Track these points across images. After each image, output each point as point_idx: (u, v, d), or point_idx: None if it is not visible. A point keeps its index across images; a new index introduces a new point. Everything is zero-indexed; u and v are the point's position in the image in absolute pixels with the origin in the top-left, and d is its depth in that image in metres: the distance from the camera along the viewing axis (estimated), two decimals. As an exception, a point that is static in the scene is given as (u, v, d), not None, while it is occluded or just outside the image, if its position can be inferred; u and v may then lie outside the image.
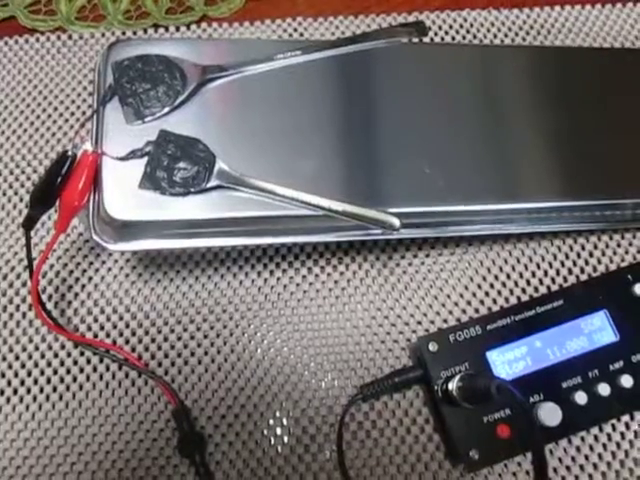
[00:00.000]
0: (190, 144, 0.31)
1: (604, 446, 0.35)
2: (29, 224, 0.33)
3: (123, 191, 0.31)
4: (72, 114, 0.42)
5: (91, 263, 0.38)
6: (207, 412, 0.35)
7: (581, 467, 0.34)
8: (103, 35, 0.45)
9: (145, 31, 0.45)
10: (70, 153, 0.31)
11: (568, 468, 0.34)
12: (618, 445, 0.35)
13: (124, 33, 0.45)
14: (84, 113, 0.42)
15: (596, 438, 0.35)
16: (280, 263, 0.38)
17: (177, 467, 0.34)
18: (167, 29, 0.45)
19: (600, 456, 0.34)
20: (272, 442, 0.34)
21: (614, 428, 0.35)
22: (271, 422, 0.35)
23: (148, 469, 0.34)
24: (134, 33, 0.45)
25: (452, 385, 0.32)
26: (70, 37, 0.45)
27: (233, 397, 0.35)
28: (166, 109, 0.32)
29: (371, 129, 0.35)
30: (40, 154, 0.41)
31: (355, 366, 0.36)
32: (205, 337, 0.36)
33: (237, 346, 0.36)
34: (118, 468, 0.34)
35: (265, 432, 0.34)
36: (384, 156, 0.34)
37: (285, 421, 0.35)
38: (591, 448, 0.35)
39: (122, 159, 0.31)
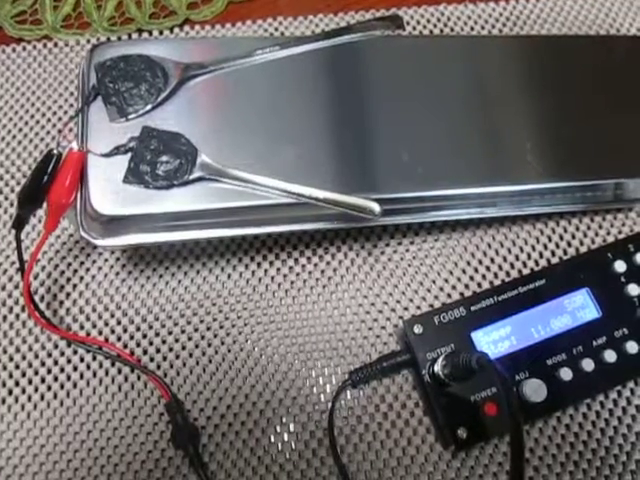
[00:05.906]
0: (172, 138, 0.32)
1: (593, 423, 0.35)
2: (19, 224, 0.33)
3: (108, 187, 0.31)
4: (59, 119, 0.43)
5: (82, 263, 0.39)
6: (200, 404, 0.35)
7: (571, 445, 0.35)
8: (88, 41, 0.45)
9: (129, 36, 0.46)
10: (55, 152, 0.31)
11: (558, 446, 0.35)
12: (607, 422, 0.35)
13: (109, 39, 0.46)
14: (72, 117, 0.43)
15: (585, 416, 0.35)
16: (267, 255, 0.39)
17: (172, 459, 0.34)
18: (151, 33, 0.46)
19: (589, 434, 0.35)
20: (265, 431, 0.35)
21: (602, 405, 0.35)
22: (263, 411, 0.35)
23: (143, 462, 0.34)
24: (119, 39, 0.46)
25: (437, 366, 0.32)
26: (56, 45, 0.45)
27: (224, 388, 0.36)
28: (149, 106, 0.33)
29: (349, 119, 0.35)
30: (29, 159, 0.42)
31: (344, 353, 0.36)
32: (195, 330, 0.37)
33: (227, 338, 0.37)
34: (114, 463, 0.34)
35: (258, 422, 0.35)
36: (363, 144, 0.35)
37: (277, 410, 0.35)
38: (580, 426, 0.35)
39: (107, 156, 0.32)
